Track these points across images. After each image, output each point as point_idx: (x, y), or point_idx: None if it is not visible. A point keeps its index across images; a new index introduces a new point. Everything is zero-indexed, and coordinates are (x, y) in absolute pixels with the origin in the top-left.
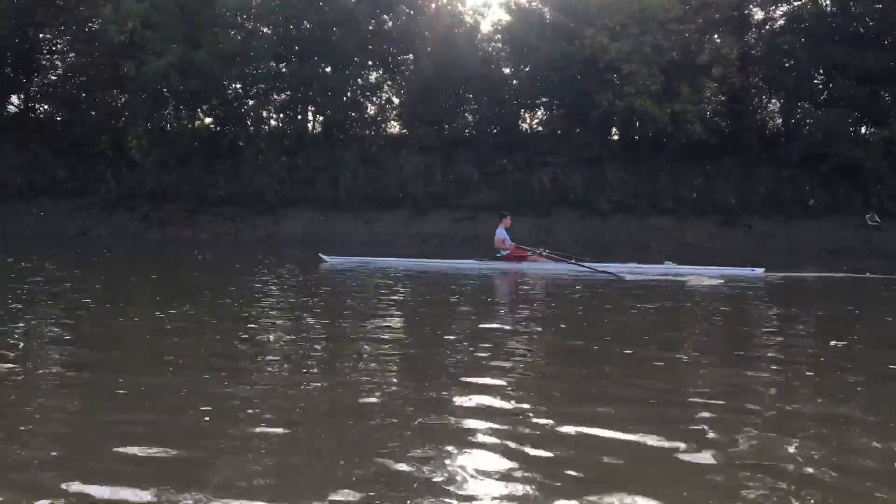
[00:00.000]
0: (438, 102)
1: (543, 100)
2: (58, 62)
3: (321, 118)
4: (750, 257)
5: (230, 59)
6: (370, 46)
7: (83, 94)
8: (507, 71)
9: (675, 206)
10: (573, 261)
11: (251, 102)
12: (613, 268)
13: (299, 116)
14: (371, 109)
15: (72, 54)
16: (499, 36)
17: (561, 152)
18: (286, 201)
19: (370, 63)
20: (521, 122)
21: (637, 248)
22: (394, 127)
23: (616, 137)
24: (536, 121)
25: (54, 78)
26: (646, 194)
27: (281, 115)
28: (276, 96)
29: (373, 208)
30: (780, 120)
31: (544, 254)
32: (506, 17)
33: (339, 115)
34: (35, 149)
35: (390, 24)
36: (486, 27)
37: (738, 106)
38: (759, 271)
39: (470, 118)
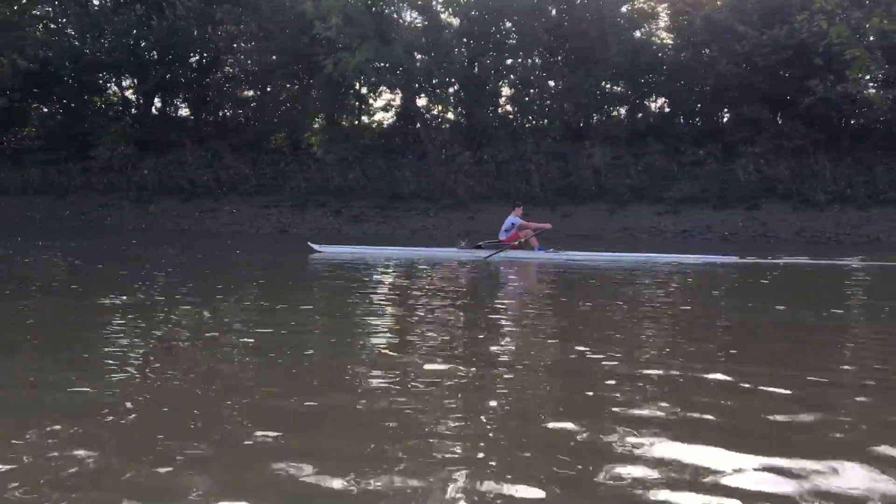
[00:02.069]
0: (619, 91)
1: (739, 85)
2: (234, 60)
3: (497, 109)
4: None
5: (414, 53)
6: (549, 35)
7: (260, 92)
8: (697, 55)
9: None
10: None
11: (434, 95)
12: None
13: (473, 109)
14: (548, 101)
15: (240, 54)
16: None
17: (760, 141)
18: (476, 196)
19: (542, 51)
20: (715, 110)
21: (867, 241)
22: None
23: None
24: (728, 108)
25: (230, 76)
26: (860, 184)
27: (459, 109)
28: (453, 89)
29: (568, 202)
30: None
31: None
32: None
33: (518, 106)
34: (214, 147)
35: (564, 13)
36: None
37: None
38: (734, 258)
39: (654, 107)
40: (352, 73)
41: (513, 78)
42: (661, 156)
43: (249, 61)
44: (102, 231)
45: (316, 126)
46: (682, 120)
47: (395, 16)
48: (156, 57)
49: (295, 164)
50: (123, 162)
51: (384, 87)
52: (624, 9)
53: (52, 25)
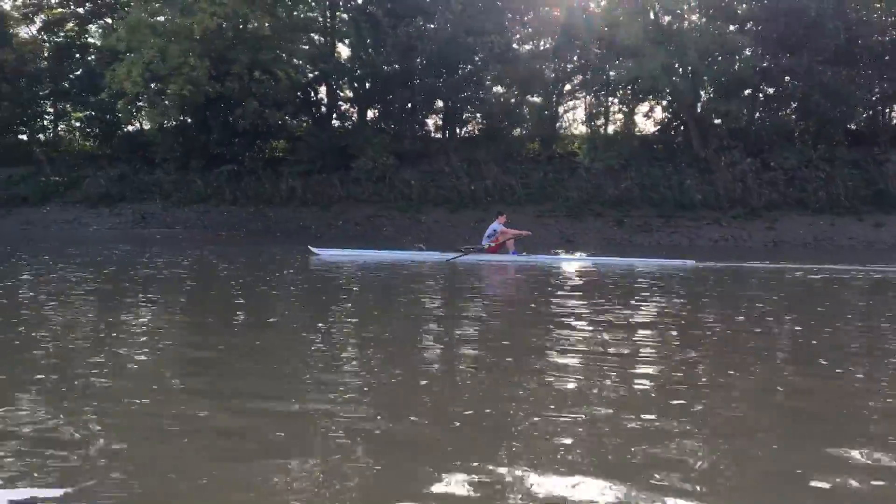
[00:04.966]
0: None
1: None
2: (493, 68)
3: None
4: None
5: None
6: (844, 35)
7: (514, 101)
8: None
9: None
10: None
11: (715, 100)
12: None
13: (754, 113)
14: (835, 104)
15: (500, 63)
16: None
17: None
18: (770, 204)
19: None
20: None
21: None
22: None
23: None
24: None
25: (487, 84)
26: None
27: (739, 113)
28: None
29: (876, 210)
30: None
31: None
32: None
33: (802, 110)
34: (471, 157)
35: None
36: None
37: None
38: (690, 263)
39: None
40: (627, 80)
41: (797, 80)
42: None
43: (507, 70)
44: (389, 241)
45: (576, 133)
46: None
47: (680, 20)
48: (421, 69)
49: (557, 173)
50: (383, 173)
51: (667, 93)
52: None
53: (323, 40)
